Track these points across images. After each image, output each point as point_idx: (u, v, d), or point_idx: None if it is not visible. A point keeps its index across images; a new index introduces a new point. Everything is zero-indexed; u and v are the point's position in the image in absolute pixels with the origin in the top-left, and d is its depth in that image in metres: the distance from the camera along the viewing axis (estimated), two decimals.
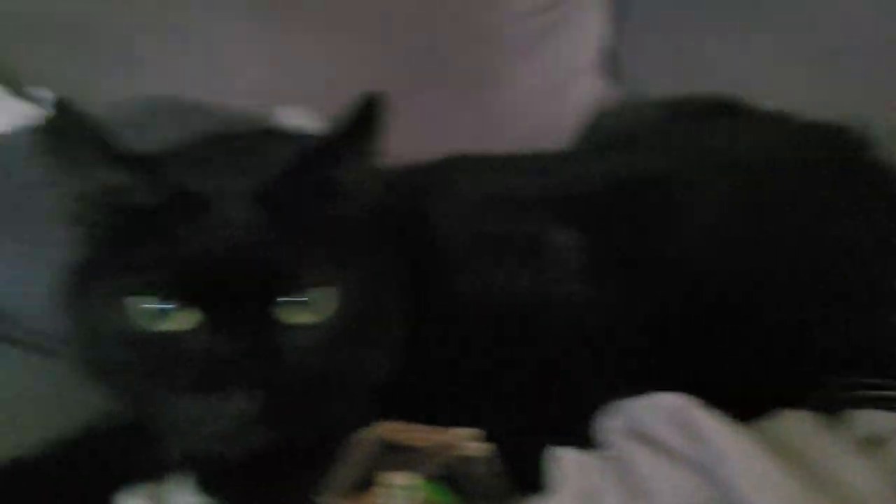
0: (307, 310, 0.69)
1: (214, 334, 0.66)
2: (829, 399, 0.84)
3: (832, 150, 1.05)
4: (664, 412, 0.74)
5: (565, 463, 0.76)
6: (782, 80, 1.47)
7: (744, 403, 0.77)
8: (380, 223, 0.80)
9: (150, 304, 0.67)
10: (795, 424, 0.79)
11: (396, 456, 0.73)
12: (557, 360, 0.84)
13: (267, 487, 0.80)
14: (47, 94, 1.65)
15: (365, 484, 0.73)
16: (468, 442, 0.73)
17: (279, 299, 0.68)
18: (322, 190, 0.73)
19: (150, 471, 0.92)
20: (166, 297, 0.67)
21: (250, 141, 0.86)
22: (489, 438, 0.74)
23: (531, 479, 0.77)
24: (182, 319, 0.67)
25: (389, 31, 1.50)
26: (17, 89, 1.65)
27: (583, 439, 0.79)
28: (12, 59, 1.67)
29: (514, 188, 0.95)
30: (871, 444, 0.79)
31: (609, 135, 1.20)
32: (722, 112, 1.19)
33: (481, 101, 1.59)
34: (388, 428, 0.74)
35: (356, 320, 0.73)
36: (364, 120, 0.72)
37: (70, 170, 0.71)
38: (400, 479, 0.68)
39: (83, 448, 0.89)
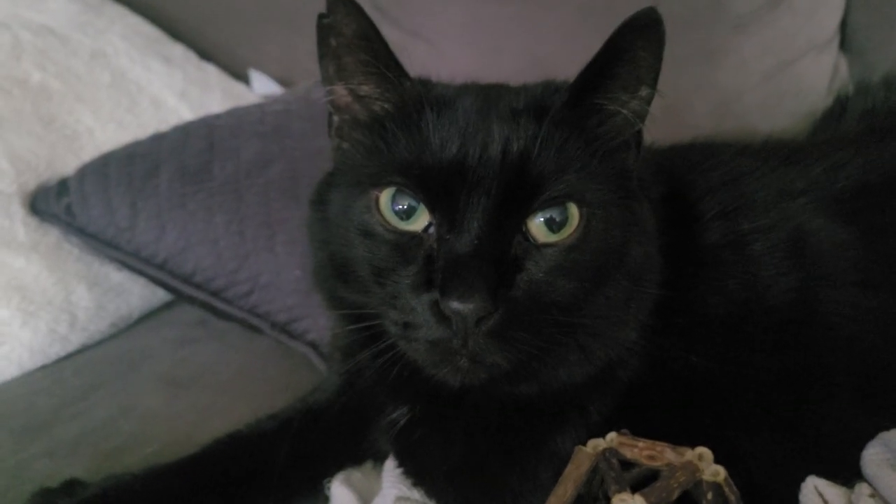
0: (553, 229, 0.66)
1: (461, 234, 0.63)
2: None
3: None
4: None
5: (824, 496, 0.66)
6: None
7: None
8: (641, 186, 0.74)
9: (400, 202, 0.67)
10: None
11: (625, 473, 0.66)
12: (820, 376, 0.74)
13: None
14: (265, 77, 1.73)
15: (590, 500, 0.68)
16: (705, 464, 0.65)
17: (527, 208, 0.65)
18: (584, 114, 0.69)
19: (358, 456, 0.93)
20: (415, 191, 0.66)
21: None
22: (730, 461, 0.65)
23: None
24: (426, 219, 0.66)
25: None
26: (238, 72, 1.75)
27: (842, 470, 0.69)
28: (236, 43, 1.78)
29: (771, 176, 0.85)
30: None
31: (864, 117, 1.05)
32: None
33: (702, 77, 1.47)
34: (617, 441, 0.68)
35: (601, 254, 0.67)
36: (627, 47, 0.66)
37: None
38: (630, 501, 0.62)
39: (294, 429, 0.90)
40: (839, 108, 1.15)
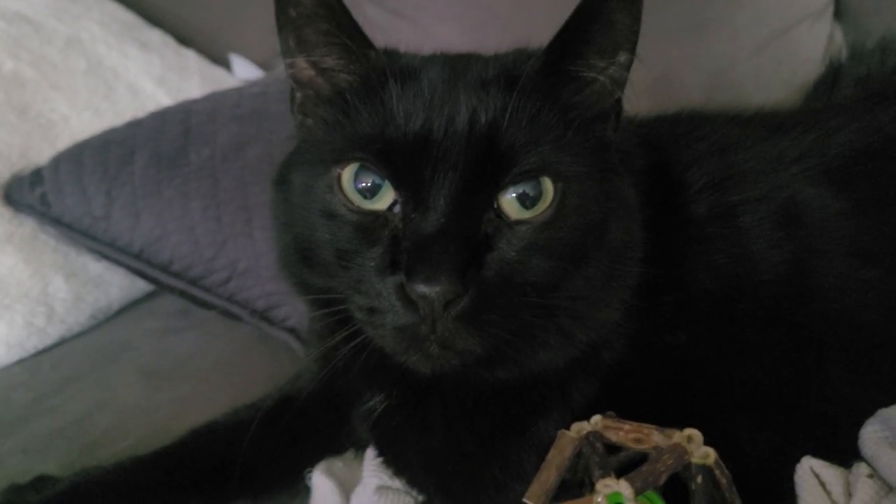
0: (526, 205, 0.62)
1: (427, 212, 0.60)
2: None
3: None
4: None
5: (821, 477, 0.63)
6: None
7: None
8: (622, 158, 0.70)
9: (364, 179, 0.63)
10: None
11: (610, 456, 0.63)
12: (815, 351, 0.71)
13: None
14: (246, 62, 1.70)
15: (575, 485, 0.65)
16: (695, 446, 0.62)
17: (497, 183, 0.61)
18: (558, 82, 0.65)
19: (339, 445, 0.91)
20: (378, 167, 0.62)
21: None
22: (721, 442, 0.62)
23: (770, 492, 0.65)
24: (391, 197, 0.62)
25: None
26: (218, 56, 1.72)
27: (839, 450, 0.66)
28: (216, 28, 1.74)
29: (762, 145, 0.81)
30: None
31: (859, 84, 1.01)
32: None
33: (694, 48, 1.43)
34: (602, 424, 0.65)
35: (578, 231, 0.64)
36: (601, 9, 0.62)
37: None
38: (615, 487, 0.59)
39: (274, 419, 0.87)
40: (832, 75, 1.11)
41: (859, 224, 0.74)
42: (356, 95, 0.65)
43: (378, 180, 0.62)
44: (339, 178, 0.64)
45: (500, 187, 0.61)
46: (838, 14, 1.53)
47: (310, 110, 0.71)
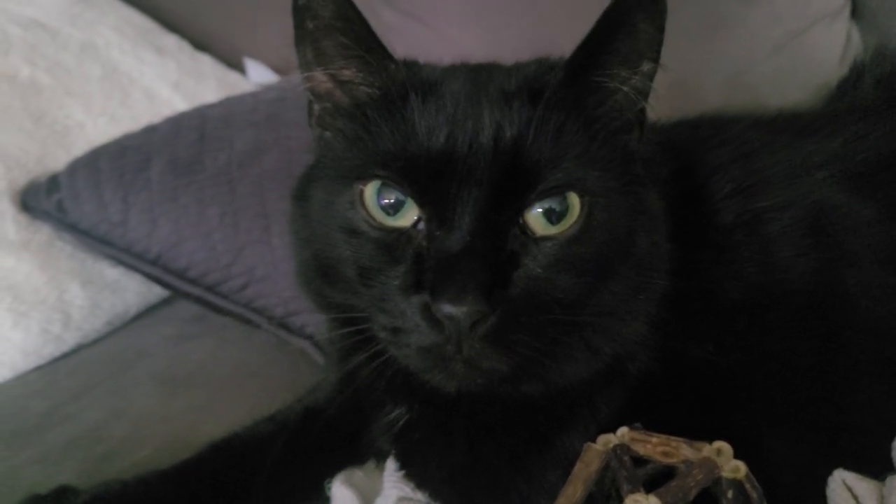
0: (553, 221, 0.61)
1: (452, 230, 0.59)
2: None
3: None
4: None
5: (854, 491, 0.62)
6: None
7: None
8: (646, 167, 0.69)
9: (387, 196, 0.62)
10: None
11: (638, 470, 0.62)
12: (846, 362, 0.70)
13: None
14: (261, 66, 1.69)
15: (602, 499, 0.64)
16: (724, 459, 0.61)
17: (523, 199, 0.60)
18: (581, 94, 0.64)
19: (359, 455, 0.90)
20: (401, 184, 0.61)
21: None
22: (751, 455, 0.60)
23: None
24: (414, 213, 0.62)
25: None
26: (233, 61, 1.71)
27: (873, 462, 0.65)
28: (231, 32, 1.73)
29: (786, 150, 0.80)
30: None
31: (882, 84, 1.00)
32: None
33: (709, 50, 1.42)
34: (629, 436, 0.63)
35: (605, 245, 0.63)
36: (625, 20, 0.61)
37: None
38: (644, 502, 0.57)
39: (295, 432, 0.86)
40: (855, 75, 1.10)
41: (888, 231, 0.73)
42: (376, 110, 0.64)
43: (401, 197, 0.62)
44: (361, 195, 0.63)
45: (525, 204, 0.60)
46: (855, 14, 1.51)
47: (328, 123, 0.71)
